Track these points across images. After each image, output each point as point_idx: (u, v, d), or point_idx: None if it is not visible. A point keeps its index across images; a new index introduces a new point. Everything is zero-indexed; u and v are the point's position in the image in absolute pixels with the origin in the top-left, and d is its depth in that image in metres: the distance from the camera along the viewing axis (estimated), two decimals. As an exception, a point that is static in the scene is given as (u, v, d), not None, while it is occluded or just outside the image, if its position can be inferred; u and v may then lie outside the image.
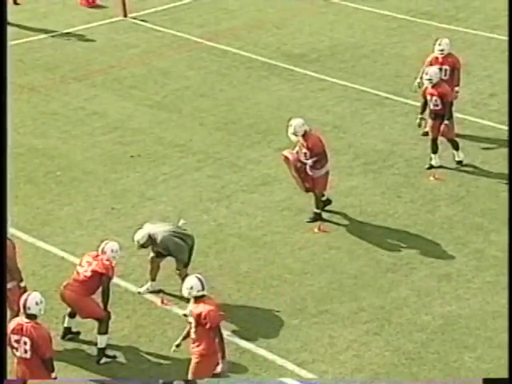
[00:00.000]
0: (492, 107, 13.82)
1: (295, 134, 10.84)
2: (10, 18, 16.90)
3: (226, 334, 9.23)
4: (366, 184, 12.00)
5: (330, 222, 11.14)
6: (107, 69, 15.34)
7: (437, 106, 12.02)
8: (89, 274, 8.82)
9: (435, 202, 11.54)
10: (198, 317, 8.05)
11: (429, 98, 12.05)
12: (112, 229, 10.79)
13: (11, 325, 8.02)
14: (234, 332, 9.32)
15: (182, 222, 9.75)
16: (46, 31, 16.62)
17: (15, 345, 7.90)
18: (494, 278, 10.00)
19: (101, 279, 8.83)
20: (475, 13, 17.52)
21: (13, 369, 8.05)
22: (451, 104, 12.09)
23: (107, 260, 8.88)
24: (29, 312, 7.91)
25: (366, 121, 13.67)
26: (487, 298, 9.73)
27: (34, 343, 7.81)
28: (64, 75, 15.05)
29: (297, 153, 10.99)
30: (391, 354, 9.02)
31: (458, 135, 12.62)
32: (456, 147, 12.34)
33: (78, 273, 8.92)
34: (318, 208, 11.10)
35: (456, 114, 13.32)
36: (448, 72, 12.73)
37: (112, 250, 8.97)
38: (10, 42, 15.99)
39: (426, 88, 12.13)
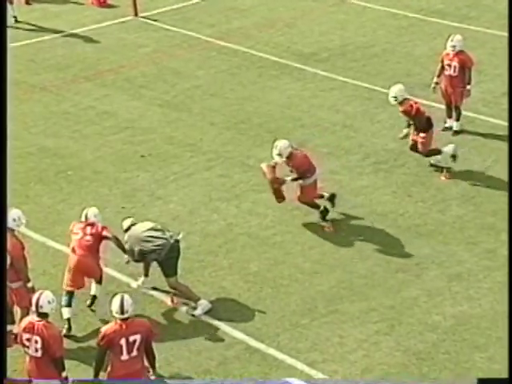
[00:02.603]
0: (503, 106, 13.74)
1: (280, 155, 10.75)
2: (21, 17, 17.14)
3: (236, 333, 9.27)
4: (377, 183, 11.96)
5: (341, 221, 11.11)
6: (118, 68, 15.36)
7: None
8: (89, 238, 9.39)
9: (446, 202, 11.49)
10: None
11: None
12: (122, 228, 10.80)
13: (22, 323, 8.04)
14: (243, 331, 9.31)
15: (180, 235, 9.64)
16: (57, 31, 16.67)
17: (26, 343, 7.93)
18: (505, 278, 9.94)
19: (100, 241, 9.46)
20: (487, 11, 17.44)
21: (24, 367, 8.08)
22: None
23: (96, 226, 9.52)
24: (41, 311, 7.93)
25: (377, 120, 13.64)
26: (498, 298, 9.68)
27: (44, 342, 7.83)
28: (75, 75, 15.09)
29: (274, 166, 10.84)
30: (402, 354, 8.99)
31: (469, 133, 12.59)
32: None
33: (78, 240, 9.36)
34: (317, 208, 10.98)
35: (467, 113, 13.29)
36: (457, 69, 12.71)
37: (95, 215, 9.61)
38: (22, 42, 16.23)
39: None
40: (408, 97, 11.93)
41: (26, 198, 11.59)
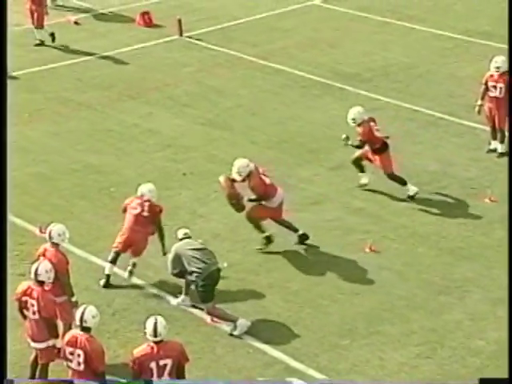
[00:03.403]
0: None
1: (239, 174, 10.67)
2: (70, 37, 17.45)
3: (275, 353, 9.22)
4: (419, 205, 11.85)
5: (382, 242, 11.03)
6: (162, 87, 15.53)
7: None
8: (146, 214, 10.14)
9: (490, 225, 11.34)
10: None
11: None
12: (165, 245, 10.86)
13: (66, 337, 8.13)
14: (283, 351, 9.26)
15: (225, 264, 9.63)
16: (103, 50, 16.94)
17: (69, 357, 8.01)
18: (550, 304, 9.73)
19: (154, 220, 10.19)
20: (533, 33, 17.23)
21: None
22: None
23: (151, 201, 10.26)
24: (85, 325, 8.01)
25: (419, 141, 13.54)
26: (543, 324, 9.48)
27: (87, 356, 7.90)
28: (120, 93, 15.30)
29: (233, 181, 10.74)
30: (443, 378, 8.85)
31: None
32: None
33: (135, 215, 10.14)
34: (295, 231, 10.82)
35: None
36: (503, 90, 12.57)
37: (149, 191, 10.31)
38: (70, 61, 16.50)
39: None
40: (366, 119, 11.84)
41: (70, 214, 11.74)
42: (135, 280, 10.39)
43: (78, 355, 7.91)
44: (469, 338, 9.37)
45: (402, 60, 16.31)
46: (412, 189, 11.88)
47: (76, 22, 18.22)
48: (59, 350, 8.24)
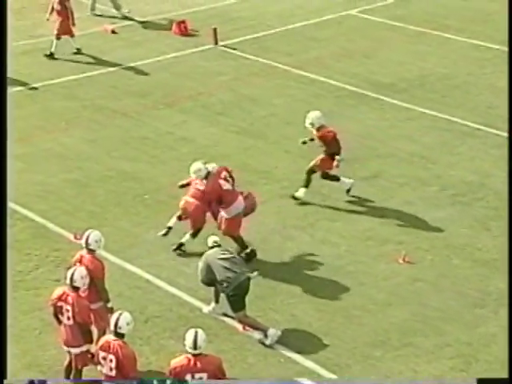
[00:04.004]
0: None
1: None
2: (107, 46, 17.65)
3: (307, 362, 9.17)
4: (454, 216, 11.73)
5: (416, 252, 10.93)
6: (196, 95, 15.61)
7: None
8: (201, 188, 10.78)
9: (527, 237, 11.17)
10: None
11: None
12: (196, 252, 10.88)
13: (100, 342, 8.18)
14: (315, 361, 9.21)
15: (255, 273, 9.61)
16: (139, 59, 17.09)
17: (102, 361, 8.07)
18: None
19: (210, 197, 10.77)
20: None
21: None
22: None
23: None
24: (119, 331, 8.05)
25: (456, 152, 13.41)
26: None
27: (119, 362, 7.94)
28: (155, 101, 15.41)
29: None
30: (477, 392, 8.72)
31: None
32: None
33: (196, 188, 10.87)
34: (242, 248, 10.64)
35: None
36: None
37: (201, 169, 10.83)
38: (106, 69, 16.67)
39: None
40: (324, 123, 11.85)
41: (104, 220, 11.83)
42: (168, 287, 10.44)
43: (110, 360, 7.96)
44: (504, 351, 9.21)
45: (439, 70, 16.18)
46: (347, 182, 11.97)
47: (113, 31, 18.42)
48: (93, 355, 8.28)
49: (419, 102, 14.99)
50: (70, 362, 8.74)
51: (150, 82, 16.16)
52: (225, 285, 9.40)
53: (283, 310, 9.99)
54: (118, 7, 19.01)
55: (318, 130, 11.90)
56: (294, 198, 12.06)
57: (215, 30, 17.60)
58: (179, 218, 11.15)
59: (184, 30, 18.21)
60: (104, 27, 18.50)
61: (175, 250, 10.95)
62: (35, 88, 15.87)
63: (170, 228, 11.17)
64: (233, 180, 10.84)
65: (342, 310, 9.98)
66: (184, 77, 16.33)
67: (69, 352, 8.68)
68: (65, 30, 16.82)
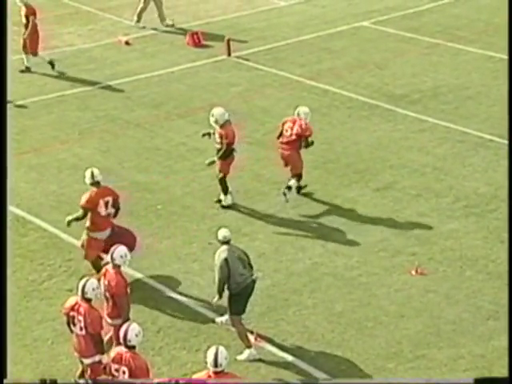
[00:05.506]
0: None
1: (92, 181, 10.73)
2: (120, 57, 17.75)
3: (319, 374, 9.14)
4: (467, 227, 11.68)
5: (428, 264, 10.88)
6: (209, 106, 15.64)
7: None
8: (294, 137, 11.95)
9: (540, 249, 11.09)
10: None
11: None
12: (208, 263, 10.89)
13: (112, 353, 8.20)
14: (327, 373, 9.18)
15: (259, 274, 9.58)
16: (153, 70, 17.18)
17: (115, 373, 8.08)
18: None
19: (300, 139, 12.11)
20: None
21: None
22: None
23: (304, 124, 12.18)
24: (129, 344, 8.06)
25: (469, 163, 13.37)
26: None
27: (132, 373, 7.96)
28: (168, 112, 15.47)
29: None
30: (490, 405, 8.65)
31: None
32: None
33: (285, 136, 12.05)
34: (95, 269, 10.50)
35: None
36: None
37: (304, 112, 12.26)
38: (120, 80, 16.75)
39: None
40: (229, 120, 12.00)
41: (116, 230, 11.84)
42: (180, 298, 10.44)
43: (124, 372, 7.97)
44: (518, 364, 9.15)
45: (452, 81, 16.16)
46: (227, 200, 12.12)
47: (127, 42, 18.52)
48: (105, 366, 8.29)
49: (432, 113, 14.96)
50: (83, 372, 8.75)
51: (163, 92, 16.22)
52: (234, 286, 9.38)
53: (295, 322, 9.97)
54: (163, 18, 19.09)
55: (222, 126, 12.05)
56: (219, 202, 12.24)
57: (228, 41, 17.66)
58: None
59: (197, 41, 18.28)
60: (118, 38, 18.61)
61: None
62: (49, 99, 15.97)
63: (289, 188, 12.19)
64: None
65: (355, 321, 9.95)
66: (197, 88, 16.39)
67: (81, 361, 8.70)
68: (33, 45, 16.16)
